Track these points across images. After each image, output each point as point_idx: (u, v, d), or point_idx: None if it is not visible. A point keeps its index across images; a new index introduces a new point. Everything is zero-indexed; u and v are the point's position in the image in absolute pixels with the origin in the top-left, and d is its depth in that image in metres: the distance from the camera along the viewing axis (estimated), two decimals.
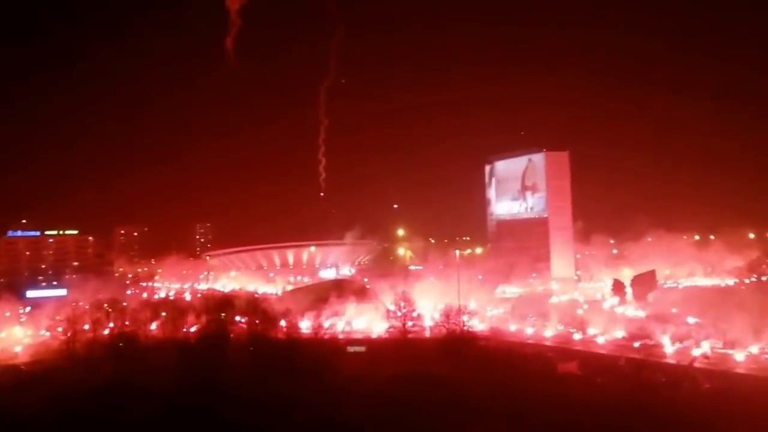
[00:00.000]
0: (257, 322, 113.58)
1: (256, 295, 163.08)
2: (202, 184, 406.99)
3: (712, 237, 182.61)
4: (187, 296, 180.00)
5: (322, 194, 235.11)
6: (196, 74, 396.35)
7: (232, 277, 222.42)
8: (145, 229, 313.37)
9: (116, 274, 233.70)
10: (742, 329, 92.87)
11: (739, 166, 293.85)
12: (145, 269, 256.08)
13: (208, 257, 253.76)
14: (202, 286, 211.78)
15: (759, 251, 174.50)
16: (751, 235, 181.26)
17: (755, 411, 66.25)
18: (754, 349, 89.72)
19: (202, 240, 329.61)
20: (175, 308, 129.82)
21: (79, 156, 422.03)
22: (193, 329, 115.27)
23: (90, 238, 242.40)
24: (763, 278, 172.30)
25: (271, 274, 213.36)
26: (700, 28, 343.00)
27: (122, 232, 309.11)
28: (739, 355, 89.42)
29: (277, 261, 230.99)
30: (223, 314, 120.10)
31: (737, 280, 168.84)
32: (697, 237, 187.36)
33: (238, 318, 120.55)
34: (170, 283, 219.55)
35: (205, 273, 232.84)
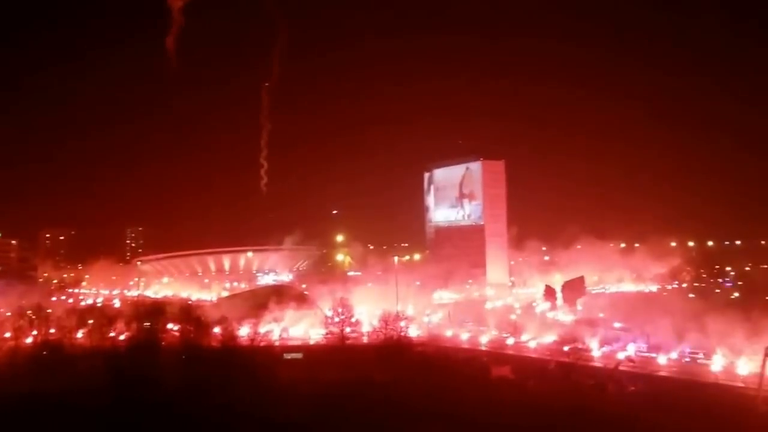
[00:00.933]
0: (190, 329, 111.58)
1: (190, 302, 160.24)
2: (133, 187, 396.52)
3: (637, 245, 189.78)
4: (117, 303, 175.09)
5: (264, 198, 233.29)
6: (131, 72, 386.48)
7: (165, 283, 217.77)
8: (72, 232, 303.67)
9: (41, 280, 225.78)
10: (664, 333, 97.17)
11: (667, 176, 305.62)
12: (72, 275, 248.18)
13: (139, 262, 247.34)
14: (133, 293, 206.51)
15: (680, 259, 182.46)
16: (673, 244, 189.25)
17: (676, 412, 69.35)
18: (675, 353, 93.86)
19: (133, 244, 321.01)
20: (103, 315, 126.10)
21: (1, 156, 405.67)
22: (122, 337, 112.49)
23: (13, 241, 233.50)
24: (684, 285, 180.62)
25: (206, 280, 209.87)
26: (633, 36, 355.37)
27: (48, 235, 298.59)
28: (661, 359, 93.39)
29: (213, 267, 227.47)
30: (154, 322, 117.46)
31: (660, 286, 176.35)
32: (623, 245, 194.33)
33: (170, 326, 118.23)
34: (98, 290, 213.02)
35: (136, 279, 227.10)
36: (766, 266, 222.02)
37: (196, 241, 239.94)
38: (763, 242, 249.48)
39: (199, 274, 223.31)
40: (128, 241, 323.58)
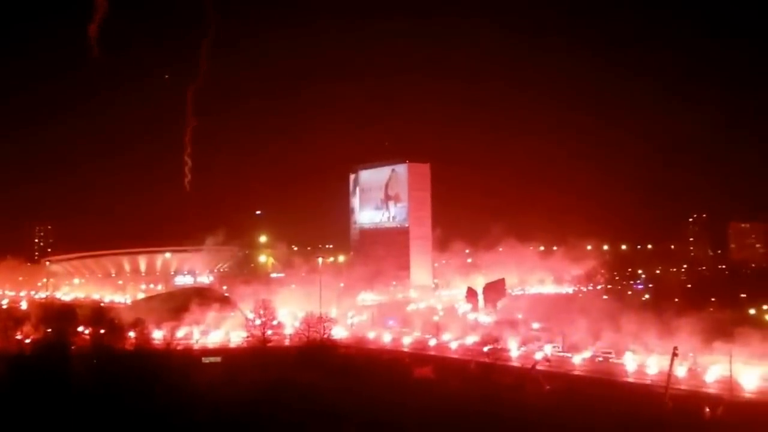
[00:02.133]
0: (103, 332, 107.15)
1: (103, 304, 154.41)
2: (42, 183, 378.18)
3: (555, 248, 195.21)
4: (23, 305, 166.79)
5: (185, 197, 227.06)
6: (41, 63, 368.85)
7: (76, 284, 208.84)
8: None
9: None
10: (580, 334, 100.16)
11: (586, 181, 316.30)
12: None
13: (48, 262, 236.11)
14: (41, 294, 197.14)
15: (595, 262, 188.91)
16: (589, 247, 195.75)
17: (589, 409, 71.28)
18: (590, 353, 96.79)
19: (42, 243, 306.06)
20: (9, 317, 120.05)
21: None
22: (28, 341, 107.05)
23: None
24: (598, 287, 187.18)
25: (120, 282, 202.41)
26: (558, 40, 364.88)
27: None
28: (576, 358, 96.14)
29: (128, 267, 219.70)
30: (64, 324, 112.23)
31: (576, 288, 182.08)
32: (542, 248, 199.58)
33: (81, 328, 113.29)
34: (4, 291, 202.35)
35: (45, 279, 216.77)
36: (675, 269, 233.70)
37: (109, 241, 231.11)
38: (672, 246, 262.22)
39: (113, 275, 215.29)
40: (36, 240, 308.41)
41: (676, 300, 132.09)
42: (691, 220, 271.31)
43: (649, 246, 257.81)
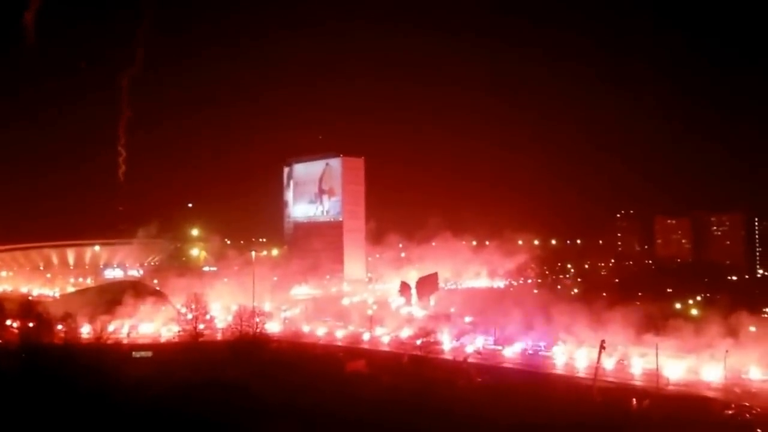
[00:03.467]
0: (31, 326, 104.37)
1: (31, 298, 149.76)
2: None
3: (487, 242, 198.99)
4: None
5: (115, 189, 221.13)
6: None
7: (3, 277, 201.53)
8: None
9: None
10: (511, 327, 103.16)
11: (519, 175, 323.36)
12: None
13: None
14: None
15: (526, 256, 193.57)
16: (520, 242, 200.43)
17: (518, 402, 73.59)
18: (520, 346, 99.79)
19: None
20: None
21: None
22: None
23: None
24: (529, 281, 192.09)
25: (49, 275, 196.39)
26: (495, 31, 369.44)
27: None
28: (507, 351, 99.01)
29: (56, 260, 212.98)
30: None
31: (507, 282, 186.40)
32: (474, 242, 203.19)
33: (9, 322, 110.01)
34: None
35: None
36: (603, 264, 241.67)
37: (37, 234, 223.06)
38: (601, 241, 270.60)
39: (41, 268, 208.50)
40: None
41: (605, 294, 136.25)
42: (618, 215, 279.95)
43: (579, 241, 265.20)
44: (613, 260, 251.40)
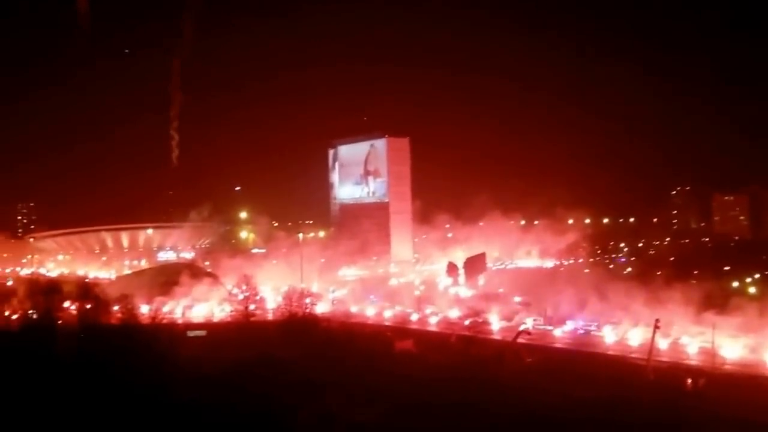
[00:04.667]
0: (89, 307, 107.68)
1: (88, 280, 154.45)
2: (23, 160, 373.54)
3: (537, 222, 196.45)
4: (9, 281, 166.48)
5: (169, 173, 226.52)
6: (24, 39, 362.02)
7: (61, 260, 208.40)
8: None
9: None
10: (561, 307, 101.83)
11: (568, 153, 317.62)
12: None
13: (32, 239, 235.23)
14: (26, 271, 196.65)
15: (577, 235, 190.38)
16: (571, 220, 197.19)
17: (569, 382, 72.81)
18: (571, 326, 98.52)
19: (25, 221, 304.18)
20: None
21: None
22: (15, 316, 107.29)
23: None
24: (580, 260, 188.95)
25: (104, 258, 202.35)
26: (542, 12, 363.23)
27: None
28: (557, 331, 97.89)
29: (111, 244, 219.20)
30: (50, 300, 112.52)
31: (557, 262, 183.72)
32: (523, 222, 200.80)
33: (67, 304, 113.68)
34: None
35: (30, 256, 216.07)
36: (658, 242, 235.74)
37: (92, 218, 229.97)
38: (655, 219, 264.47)
39: (97, 251, 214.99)
40: (19, 217, 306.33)
41: (659, 273, 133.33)
42: (674, 192, 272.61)
43: (632, 219, 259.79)
44: (668, 238, 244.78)
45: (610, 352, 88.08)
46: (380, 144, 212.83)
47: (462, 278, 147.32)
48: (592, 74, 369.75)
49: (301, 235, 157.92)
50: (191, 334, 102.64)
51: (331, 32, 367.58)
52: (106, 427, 57.72)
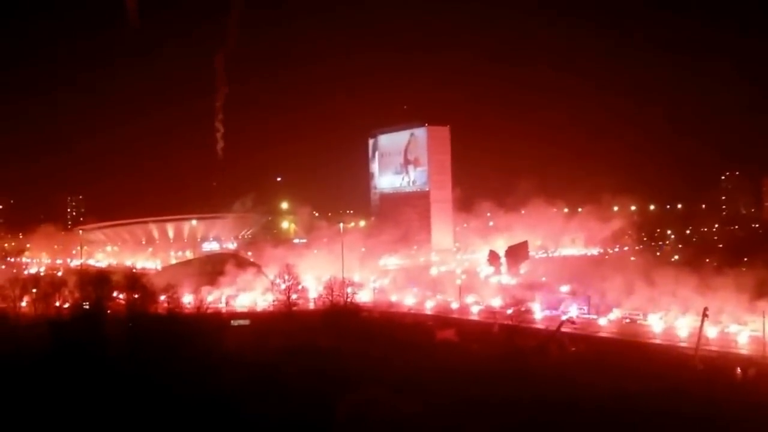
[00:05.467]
0: (136, 297, 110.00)
1: (135, 270, 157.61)
2: (71, 154, 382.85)
3: (580, 209, 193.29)
4: (60, 272, 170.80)
5: (213, 164, 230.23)
6: (68, 35, 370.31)
7: (108, 251, 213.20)
8: (12, 201, 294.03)
9: None
10: (606, 296, 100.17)
11: (612, 140, 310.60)
12: (13, 244, 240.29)
13: (81, 231, 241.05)
14: (76, 262, 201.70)
15: (623, 222, 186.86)
16: (616, 208, 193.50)
17: (615, 372, 71.68)
18: (616, 315, 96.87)
19: (74, 213, 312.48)
20: (47, 284, 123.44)
21: None
22: (66, 306, 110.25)
23: None
24: (626, 248, 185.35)
25: (150, 249, 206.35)
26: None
27: None
28: (602, 320, 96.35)
29: (156, 235, 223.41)
30: (99, 290, 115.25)
31: (602, 250, 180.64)
32: (566, 209, 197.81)
33: (115, 294, 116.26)
34: (41, 259, 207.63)
35: (79, 247, 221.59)
36: (706, 229, 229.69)
37: (138, 209, 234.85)
38: (703, 206, 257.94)
39: (143, 242, 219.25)
40: (69, 210, 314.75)
41: (708, 260, 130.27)
42: (723, 177, 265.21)
43: (679, 206, 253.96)
44: (717, 225, 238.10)
45: (657, 341, 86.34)
46: (420, 133, 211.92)
47: (504, 267, 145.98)
48: (636, 59, 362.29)
49: (342, 225, 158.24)
50: (235, 323, 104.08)
51: (370, 21, 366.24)
52: (156, 413, 59.06)
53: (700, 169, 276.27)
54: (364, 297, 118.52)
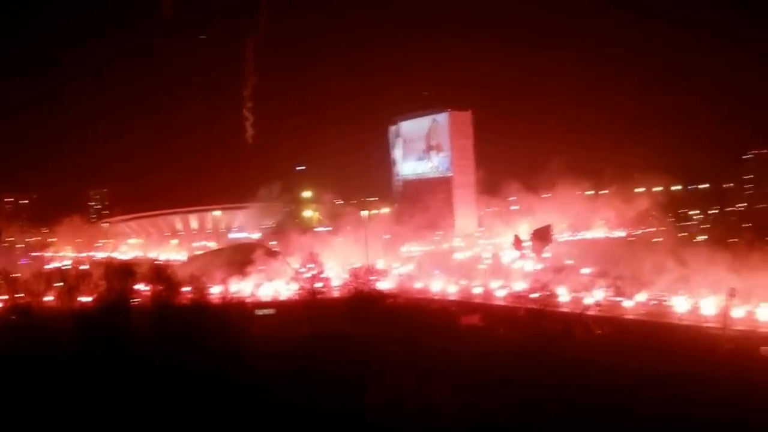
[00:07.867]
0: (161, 289, 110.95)
1: (159, 262, 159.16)
2: (94, 147, 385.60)
3: (604, 191, 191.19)
4: (85, 265, 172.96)
5: (234, 154, 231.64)
6: (88, 24, 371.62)
7: (133, 244, 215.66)
8: (35, 195, 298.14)
9: (6, 245, 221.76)
10: (631, 278, 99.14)
11: (635, 120, 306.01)
12: (38, 238, 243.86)
13: (105, 224, 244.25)
14: (100, 254, 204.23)
15: (647, 204, 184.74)
16: (641, 189, 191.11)
17: (642, 353, 71.13)
18: (642, 297, 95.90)
19: (98, 206, 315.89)
20: (72, 277, 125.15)
21: None
22: (91, 298, 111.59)
23: None
24: (651, 229, 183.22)
25: (175, 241, 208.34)
26: None
27: (11, 199, 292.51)
28: (628, 302, 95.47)
29: (180, 226, 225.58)
30: (124, 282, 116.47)
31: (627, 232, 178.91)
32: (589, 192, 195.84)
33: (140, 285, 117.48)
34: (65, 252, 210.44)
35: (103, 240, 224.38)
36: (731, 209, 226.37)
37: (161, 202, 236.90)
38: (730, 185, 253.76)
39: (167, 234, 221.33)
40: (92, 203, 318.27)
41: (734, 240, 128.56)
42: (748, 156, 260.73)
43: (704, 186, 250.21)
44: (743, 204, 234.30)
45: (684, 322, 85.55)
46: (442, 118, 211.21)
47: (528, 251, 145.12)
48: (660, 38, 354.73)
49: (365, 212, 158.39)
50: (260, 312, 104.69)
51: (391, 7, 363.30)
52: (184, 403, 59.62)
53: (725, 148, 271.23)
54: (388, 284, 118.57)
